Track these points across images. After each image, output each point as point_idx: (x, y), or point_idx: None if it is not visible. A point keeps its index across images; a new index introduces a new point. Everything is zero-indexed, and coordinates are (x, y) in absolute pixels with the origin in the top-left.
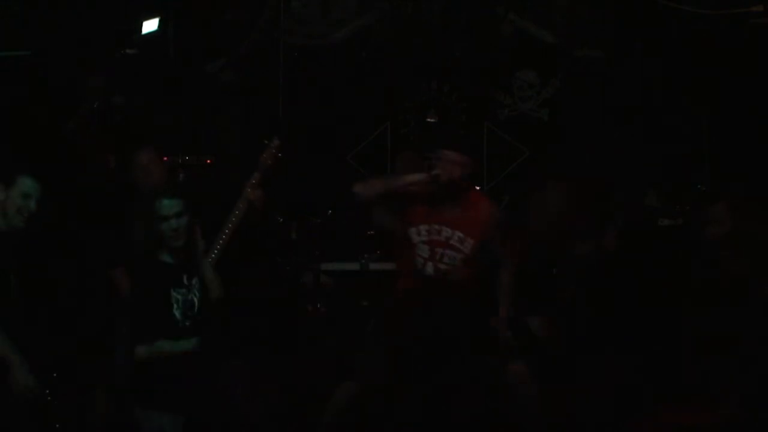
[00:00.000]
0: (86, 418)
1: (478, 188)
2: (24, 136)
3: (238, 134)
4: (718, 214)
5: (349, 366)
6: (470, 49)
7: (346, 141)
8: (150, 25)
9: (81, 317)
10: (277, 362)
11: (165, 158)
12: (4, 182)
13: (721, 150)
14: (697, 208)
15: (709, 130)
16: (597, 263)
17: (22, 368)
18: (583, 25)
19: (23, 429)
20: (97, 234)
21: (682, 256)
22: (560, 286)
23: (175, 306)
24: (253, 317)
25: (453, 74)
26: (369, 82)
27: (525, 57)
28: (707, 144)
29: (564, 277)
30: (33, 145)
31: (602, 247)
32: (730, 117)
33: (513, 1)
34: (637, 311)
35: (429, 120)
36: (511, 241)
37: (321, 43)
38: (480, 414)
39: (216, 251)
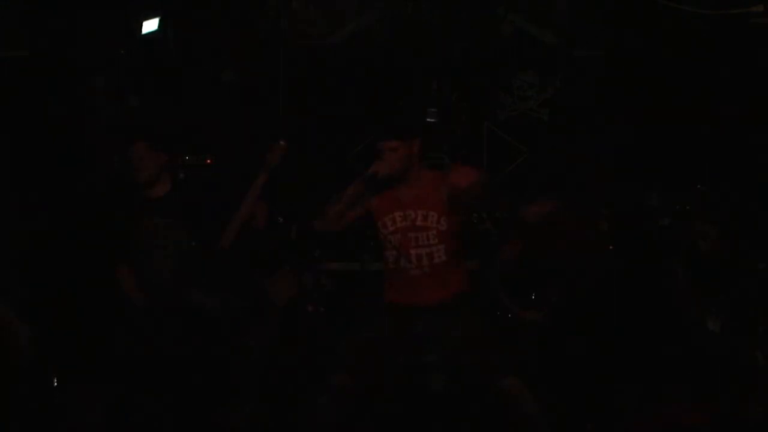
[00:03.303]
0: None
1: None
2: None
3: (238, 134)
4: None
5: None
6: (470, 49)
7: (346, 141)
8: (150, 25)
9: (83, 314)
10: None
11: (164, 156)
12: None
13: (721, 150)
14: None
15: (709, 129)
16: (592, 263)
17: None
18: (583, 25)
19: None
20: (99, 232)
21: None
22: (555, 283)
23: None
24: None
25: (453, 74)
26: (369, 82)
27: (525, 57)
28: (707, 144)
29: (559, 273)
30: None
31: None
32: (730, 117)
33: (513, 1)
34: (636, 310)
35: (429, 120)
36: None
37: (321, 43)
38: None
39: (218, 253)
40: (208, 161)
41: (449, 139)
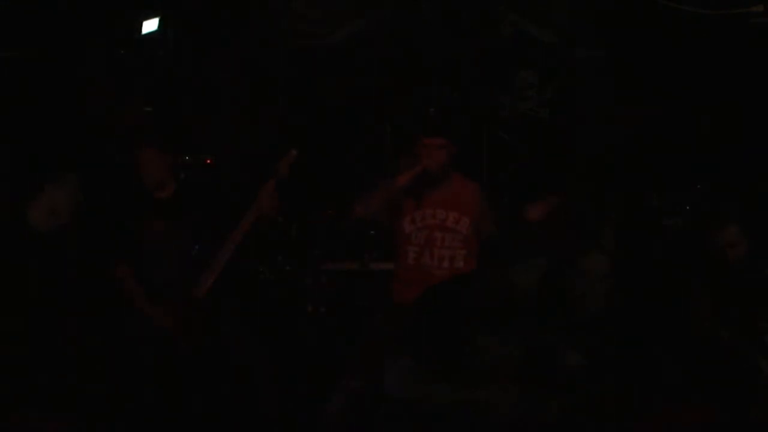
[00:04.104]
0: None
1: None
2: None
3: (238, 134)
4: (732, 237)
5: (348, 366)
6: (470, 49)
7: (346, 141)
8: (150, 25)
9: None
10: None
11: (170, 159)
12: (49, 182)
13: (721, 150)
14: (699, 214)
15: (710, 129)
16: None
17: None
18: (583, 25)
19: None
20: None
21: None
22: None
23: None
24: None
25: (453, 74)
26: (369, 82)
27: (525, 57)
28: (708, 144)
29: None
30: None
31: (602, 246)
32: (731, 117)
33: (513, 1)
34: (638, 310)
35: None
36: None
37: (321, 43)
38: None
39: (223, 256)
40: (208, 161)
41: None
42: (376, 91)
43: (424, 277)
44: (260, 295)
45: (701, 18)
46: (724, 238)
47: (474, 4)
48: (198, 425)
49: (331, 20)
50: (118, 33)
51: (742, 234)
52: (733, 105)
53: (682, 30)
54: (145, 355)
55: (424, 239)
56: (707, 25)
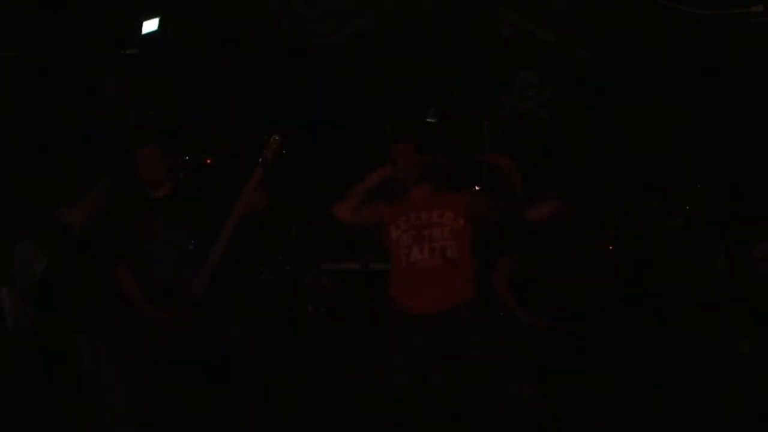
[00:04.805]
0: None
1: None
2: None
3: (238, 134)
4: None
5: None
6: (470, 49)
7: (346, 141)
8: (150, 25)
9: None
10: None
11: (170, 158)
12: (88, 189)
13: (721, 150)
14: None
15: (710, 129)
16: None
17: None
18: (583, 25)
19: None
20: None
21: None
22: (558, 285)
23: None
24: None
25: (453, 74)
26: (369, 82)
27: (525, 57)
28: (708, 144)
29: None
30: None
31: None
32: (731, 117)
33: (513, 1)
34: (637, 310)
35: (429, 120)
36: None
37: (321, 43)
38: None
39: (215, 252)
40: (208, 161)
41: (449, 139)
42: (376, 91)
43: (418, 275)
44: (260, 295)
45: (701, 18)
46: (759, 253)
47: (474, 4)
48: (197, 423)
49: (331, 20)
50: (118, 33)
51: None
52: (733, 105)
53: (682, 30)
54: (144, 354)
55: (411, 239)
56: (707, 25)
